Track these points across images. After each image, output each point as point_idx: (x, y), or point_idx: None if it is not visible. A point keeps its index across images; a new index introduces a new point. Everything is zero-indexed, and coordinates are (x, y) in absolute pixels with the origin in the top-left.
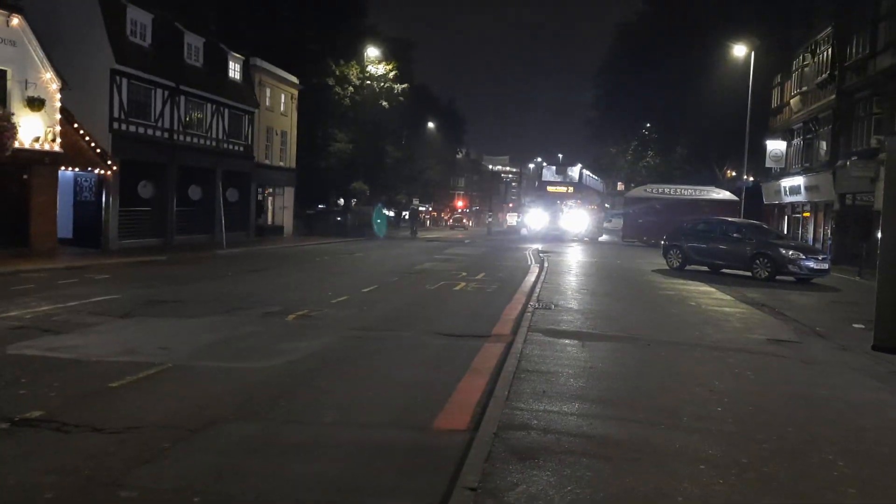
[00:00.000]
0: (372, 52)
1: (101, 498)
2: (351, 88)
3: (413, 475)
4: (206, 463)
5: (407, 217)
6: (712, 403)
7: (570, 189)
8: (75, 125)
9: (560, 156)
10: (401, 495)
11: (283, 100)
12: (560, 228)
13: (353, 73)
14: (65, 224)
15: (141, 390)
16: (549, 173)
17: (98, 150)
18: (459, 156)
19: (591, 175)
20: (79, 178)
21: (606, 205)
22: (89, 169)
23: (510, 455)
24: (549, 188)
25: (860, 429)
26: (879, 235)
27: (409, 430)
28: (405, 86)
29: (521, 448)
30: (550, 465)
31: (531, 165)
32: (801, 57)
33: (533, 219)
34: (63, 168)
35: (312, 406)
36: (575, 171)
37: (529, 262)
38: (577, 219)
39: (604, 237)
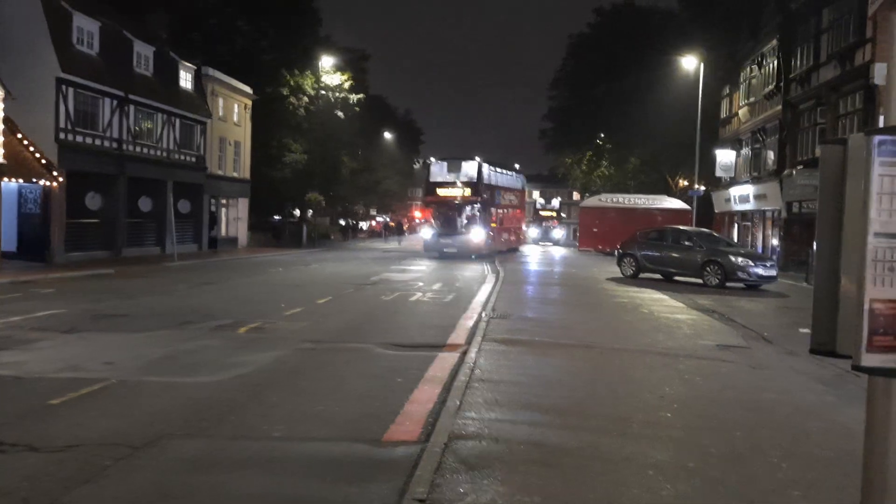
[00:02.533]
0: (327, 61)
1: None
2: (306, 98)
3: (362, 488)
4: (149, 481)
5: (382, 228)
6: (662, 410)
7: (468, 191)
8: (19, 135)
9: (517, 165)
10: None
11: (236, 110)
12: (459, 241)
13: (307, 83)
14: (9, 237)
15: (83, 407)
16: (438, 170)
17: (43, 161)
18: (417, 166)
19: (501, 170)
20: (23, 190)
21: (563, 213)
22: (34, 180)
23: (460, 465)
24: (440, 191)
25: (805, 432)
26: (814, 241)
27: (360, 443)
28: (361, 96)
29: (472, 458)
30: (500, 475)
31: (415, 165)
32: (748, 69)
33: (429, 231)
34: (6, 179)
35: (262, 421)
36: (472, 166)
37: (486, 273)
38: (477, 231)
39: (549, 243)
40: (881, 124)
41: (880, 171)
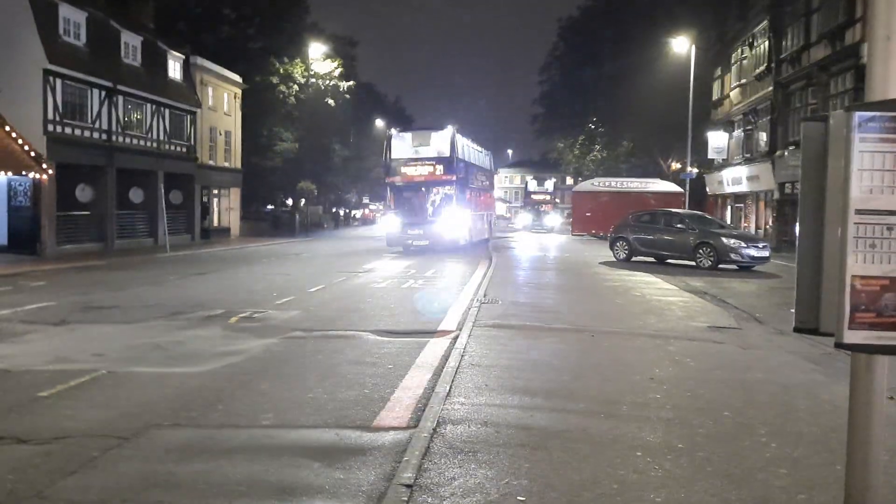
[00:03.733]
0: (316, 49)
1: None
2: (296, 87)
3: (351, 474)
4: (136, 471)
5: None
6: (651, 391)
7: (438, 168)
8: (7, 128)
9: (510, 151)
10: (338, 495)
11: (226, 99)
12: (431, 231)
13: (297, 72)
14: None
15: (71, 399)
16: (400, 143)
17: (32, 154)
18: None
19: (474, 145)
20: (12, 183)
21: (556, 199)
22: (23, 173)
23: (448, 450)
24: (405, 169)
25: (793, 410)
26: (797, 219)
27: (349, 430)
28: (351, 83)
29: (460, 442)
30: (488, 459)
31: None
32: (739, 50)
33: (392, 220)
34: None
35: (250, 409)
36: (442, 136)
37: (478, 258)
38: (452, 218)
39: (541, 230)
40: None
41: (861, 148)
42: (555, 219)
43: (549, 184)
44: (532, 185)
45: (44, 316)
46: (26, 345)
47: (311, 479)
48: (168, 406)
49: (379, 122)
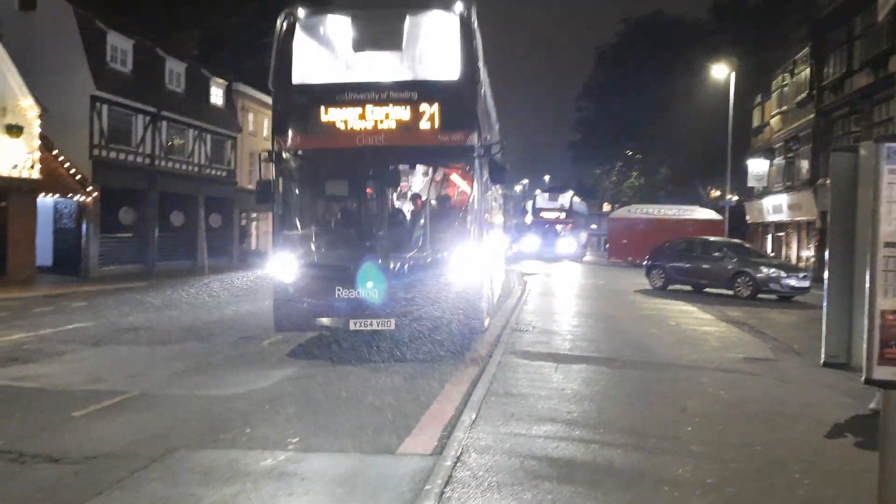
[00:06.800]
0: None
1: None
2: None
3: (373, 500)
4: (162, 493)
5: None
6: (682, 424)
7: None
8: (54, 152)
9: (547, 177)
10: None
11: (266, 124)
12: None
13: None
14: (44, 252)
15: (104, 419)
16: (541, 199)
17: (78, 177)
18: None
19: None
20: (58, 206)
21: (593, 225)
22: (69, 196)
23: (471, 479)
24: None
25: (828, 446)
26: (826, 251)
27: (373, 456)
28: None
29: (484, 472)
30: (512, 490)
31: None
32: (780, 77)
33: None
34: (42, 195)
35: (277, 433)
36: (566, 198)
37: (512, 284)
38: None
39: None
40: None
41: (890, 180)
42: (569, 243)
43: (565, 197)
44: (541, 200)
45: (82, 336)
46: (63, 365)
47: None
48: (197, 428)
49: None
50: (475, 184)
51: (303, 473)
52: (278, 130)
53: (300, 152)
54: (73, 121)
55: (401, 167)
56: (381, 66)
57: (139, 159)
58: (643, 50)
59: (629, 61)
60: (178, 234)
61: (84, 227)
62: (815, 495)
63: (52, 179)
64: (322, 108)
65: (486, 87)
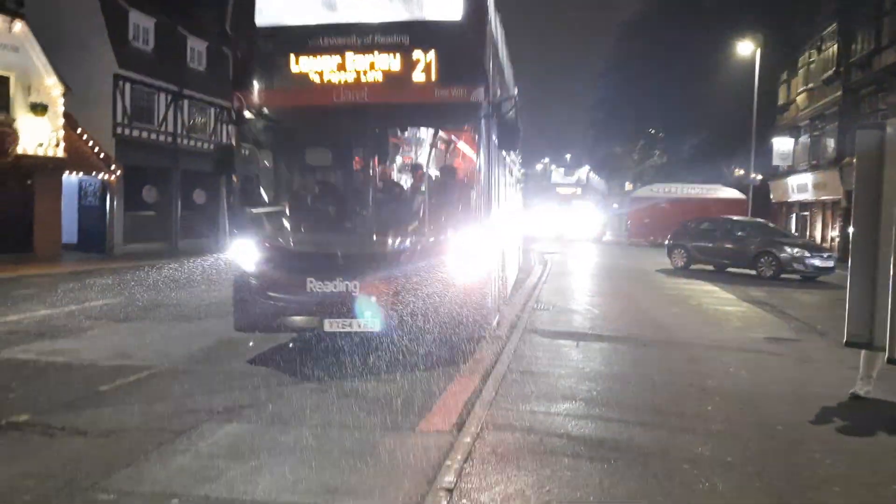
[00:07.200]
0: None
1: (78, 501)
2: None
3: (394, 477)
4: (188, 465)
5: None
6: (703, 402)
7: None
8: (79, 130)
9: (568, 156)
10: (379, 496)
11: None
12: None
13: None
14: (69, 229)
15: (131, 394)
16: (557, 175)
17: (102, 155)
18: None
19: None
20: (83, 184)
21: (615, 204)
22: (93, 174)
23: (491, 455)
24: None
25: (850, 427)
26: (850, 230)
27: (395, 432)
28: None
29: (503, 449)
30: (530, 466)
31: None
32: (806, 54)
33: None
34: (67, 173)
35: (301, 407)
36: (583, 172)
37: (532, 263)
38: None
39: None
40: None
41: None
42: (585, 219)
43: (583, 172)
44: (557, 175)
45: (109, 312)
46: (90, 340)
47: (355, 481)
48: (223, 402)
49: None
50: (482, 151)
51: (323, 447)
52: (238, 84)
53: (265, 111)
54: (96, 99)
55: (389, 130)
56: (364, 3)
57: (162, 137)
58: (666, 25)
59: (652, 37)
60: (201, 211)
61: (108, 204)
62: (836, 475)
63: (76, 157)
64: (291, 56)
65: (496, 30)
